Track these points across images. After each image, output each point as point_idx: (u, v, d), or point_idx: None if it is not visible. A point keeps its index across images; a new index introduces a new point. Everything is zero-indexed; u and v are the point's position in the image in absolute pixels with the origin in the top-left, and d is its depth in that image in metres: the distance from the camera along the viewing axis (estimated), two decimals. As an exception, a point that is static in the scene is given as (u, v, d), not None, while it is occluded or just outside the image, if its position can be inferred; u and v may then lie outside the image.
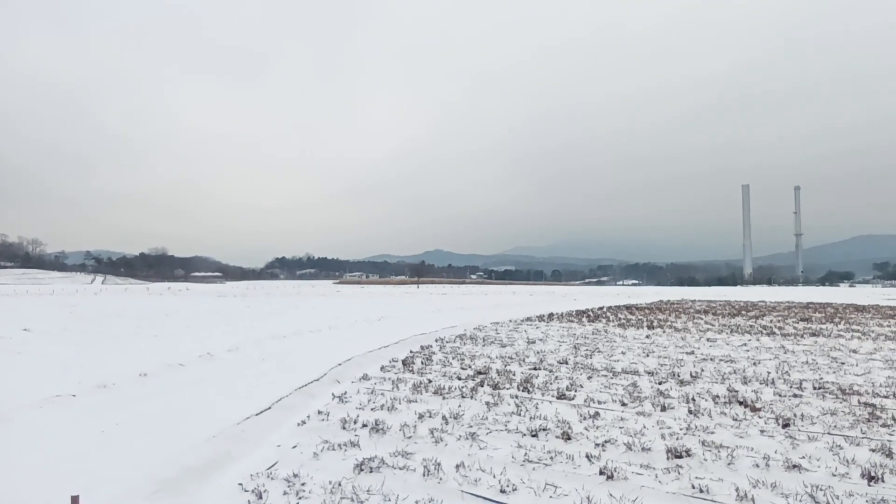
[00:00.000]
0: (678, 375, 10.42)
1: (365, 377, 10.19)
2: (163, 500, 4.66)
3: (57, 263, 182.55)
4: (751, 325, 21.36)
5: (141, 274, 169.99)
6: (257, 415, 7.41)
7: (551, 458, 5.73)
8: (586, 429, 6.82)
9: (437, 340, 15.83)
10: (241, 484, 5.06)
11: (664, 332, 18.81)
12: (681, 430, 6.81)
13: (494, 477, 5.19)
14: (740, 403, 8.12)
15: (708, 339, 16.53)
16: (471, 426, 6.94)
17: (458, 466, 5.43)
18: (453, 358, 12.49)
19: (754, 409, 7.78)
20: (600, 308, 34.22)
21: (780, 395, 8.75)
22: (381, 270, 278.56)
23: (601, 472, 5.26)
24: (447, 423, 7.00)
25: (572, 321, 23.33)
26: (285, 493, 4.83)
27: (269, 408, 7.79)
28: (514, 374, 10.46)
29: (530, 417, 7.35)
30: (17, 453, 5.86)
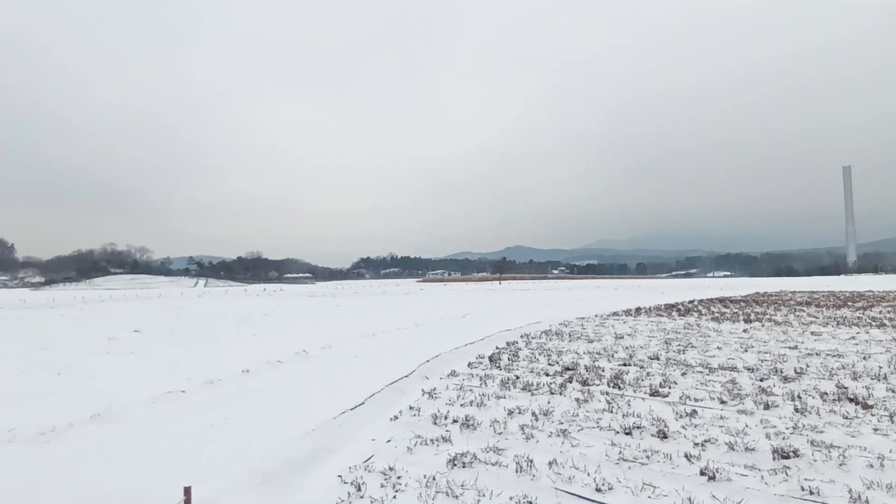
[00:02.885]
0: (781, 371, 9.83)
1: (453, 373, 10.31)
2: (268, 492, 4.93)
3: (163, 269, 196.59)
4: (858, 317, 19.83)
5: (239, 276, 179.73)
6: (352, 410, 7.69)
7: (647, 456, 5.58)
8: (683, 427, 6.59)
9: (522, 336, 15.75)
10: (340, 476, 5.27)
11: (763, 325, 17.77)
12: (787, 429, 6.44)
13: (589, 475, 5.12)
14: (851, 400, 7.58)
15: (812, 333, 15.47)
16: (561, 423, 6.87)
17: (550, 463, 5.40)
18: (540, 354, 12.39)
19: (866, 407, 7.24)
20: (691, 301, 32.79)
21: (893, 392, 8.10)
22: (462, 268, 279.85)
23: (702, 473, 5.07)
24: (537, 420, 6.97)
25: (661, 315, 22.51)
26: (382, 486, 4.99)
27: (363, 403, 8.06)
28: (603, 371, 10.25)
29: (623, 415, 7.18)
30: (133, 447, 6.39)
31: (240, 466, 5.51)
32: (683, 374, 9.83)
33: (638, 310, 25.97)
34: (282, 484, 5.11)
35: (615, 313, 24.26)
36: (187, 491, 4.25)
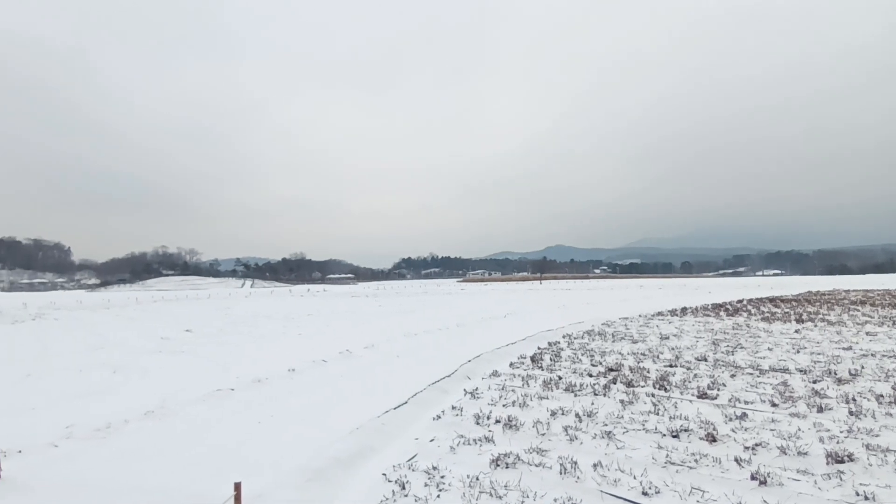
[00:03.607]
0: (835, 373, 9.46)
1: (495, 373, 10.30)
2: (314, 489, 5.03)
3: (212, 270, 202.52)
4: (921, 317, 18.87)
5: (283, 277, 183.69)
6: (395, 409, 7.77)
7: (696, 460, 5.46)
8: (733, 430, 6.41)
9: (564, 337, 15.60)
10: (384, 474, 5.33)
11: (815, 325, 17.13)
12: (841, 432, 6.20)
13: (635, 478, 5.05)
14: (910, 404, 7.24)
15: (867, 333, 14.83)
16: (606, 425, 6.78)
17: (595, 466, 5.34)
18: (582, 354, 12.26)
19: (931, 412, 6.90)
20: (739, 301, 31.85)
21: (960, 395, 7.69)
22: (503, 268, 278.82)
23: (752, 477, 4.93)
24: (581, 421, 6.90)
25: (709, 315, 21.95)
26: (426, 485, 5.02)
27: (406, 402, 8.13)
28: (648, 372, 10.06)
29: (669, 417, 7.04)
30: (184, 443, 6.60)
31: (287, 463, 5.64)
32: (732, 375, 9.56)
33: (684, 310, 25.39)
34: (328, 481, 5.20)
35: (660, 313, 23.79)
36: (237, 486, 4.38)
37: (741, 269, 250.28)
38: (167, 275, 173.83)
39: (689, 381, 9.11)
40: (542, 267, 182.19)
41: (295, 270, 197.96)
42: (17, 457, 5.99)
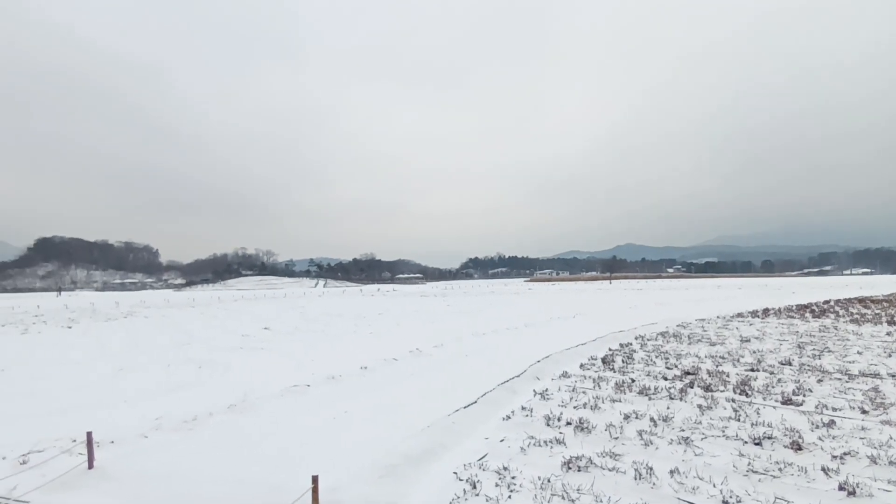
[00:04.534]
0: (935, 380, 8.81)
1: (565, 374, 10.19)
2: (387, 485, 5.16)
3: (287, 270, 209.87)
4: None
5: (354, 277, 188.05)
6: (465, 408, 7.84)
7: (780, 469, 5.22)
8: (820, 438, 6.10)
9: (637, 338, 15.23)
10: (455, 473, 5.40)
11: (915, 328, 15.93)
12: (940, 442, 5.78)
13: (714, 486, 4.89)
14: None
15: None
16: (683, 430, 6.59)
17: (672, 472, 5.20)
18: (657, 356, 11.93)
19: None
20: (826, 301, 30.08)
21: None
22: (570, 267, 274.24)
23: (841, 488, 4.68)
24: (656, 426, 6.74)
25: (793, 317, 20.84)
26: (497, 485, 5.05)
27: (475, 402, 8.19)
28: (727, 376, 9.68)
29: (751, 424, 6.76)
30: (264, 436, 6.92)
31: (360, 459, 5.81)
32: (819, 380, 9.08)
33: (766, 311, 24.25)
34: (400, 478, 5.32)
35: (740, 314, 22.82)
36: (315, 480, 4.57)
37: (827, 268, 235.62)
38: (246, 275, 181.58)
39: (773, 386, 8.71)
40: (612, 266, 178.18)
41: (365, 270, 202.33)
42: (110, 447, 6.46)
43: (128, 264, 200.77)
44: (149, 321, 28.70)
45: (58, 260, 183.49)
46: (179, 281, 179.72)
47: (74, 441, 6.52)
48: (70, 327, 25.52)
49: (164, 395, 9.63)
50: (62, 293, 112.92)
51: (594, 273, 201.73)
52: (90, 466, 5.77)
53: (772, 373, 9.91)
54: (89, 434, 5.89)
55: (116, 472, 5.69)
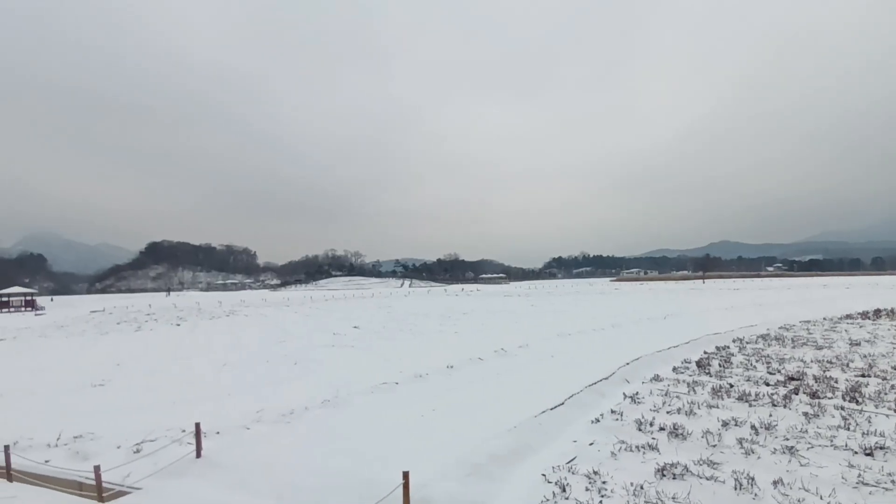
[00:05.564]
0: None
1: (656, 378, 9.83)
2: (475, 483, 5.18)
3: (374, 271, 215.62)
4: None
5: (438, 277, 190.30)
6: (552, 409, 7.74)
7: (892, 481, 4.83)
8: (943, 452, 5.54)
9: (734, 341, 14.44)
10: (544, 475, 5.34)
11: None
12: None
13: (822, 499, 4.56)
14: None
15: None
16: (787, 439, 6.18)
17: (775, 483, 4.89)
18: (757, 360, 11.26)
19: None
20: (954, 303, 27.20)
21: None
22: (659, 266, 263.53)
23: (976, 510, 4.22)
24: (757, 434, 6.36)
25: (914, 319, 19.03)
26: (587, 490, 4.95)
27: (563, 403, 8.06)
28: (836, 382, 9.00)
29: (862, 433, 6.26)
30: (356, 431, 7.15)
31: (447, 456, 5.87)
32: (944, 389, 8.24)
33: (877, 312, 22.34)
34: (487, 477, 5.33)
35: (849, 316, 21.19)
36: (405, 476, 4.66)
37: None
38: (335, 275, 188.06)
39: (885, 393, 8.05)
40: (705, 265, 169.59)
41: (449, 270, 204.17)
42: (216, 437, 6.90)
43: (229, 266, 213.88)
44: (248, 319, 30.42)
45: (167, 262, 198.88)
46: (275, 281, 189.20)
47: (184, 431, 7.03)
48: (178, 325, 27.55)
49: (264, 390, 10.18)
50: (171, 293, 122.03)
51: (685, 272, 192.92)
52: (198, 455, 6.19)
53: (885, 378, 9.14)
54: (197, 425, 6.32)
55: (222, 460, 6.08)
